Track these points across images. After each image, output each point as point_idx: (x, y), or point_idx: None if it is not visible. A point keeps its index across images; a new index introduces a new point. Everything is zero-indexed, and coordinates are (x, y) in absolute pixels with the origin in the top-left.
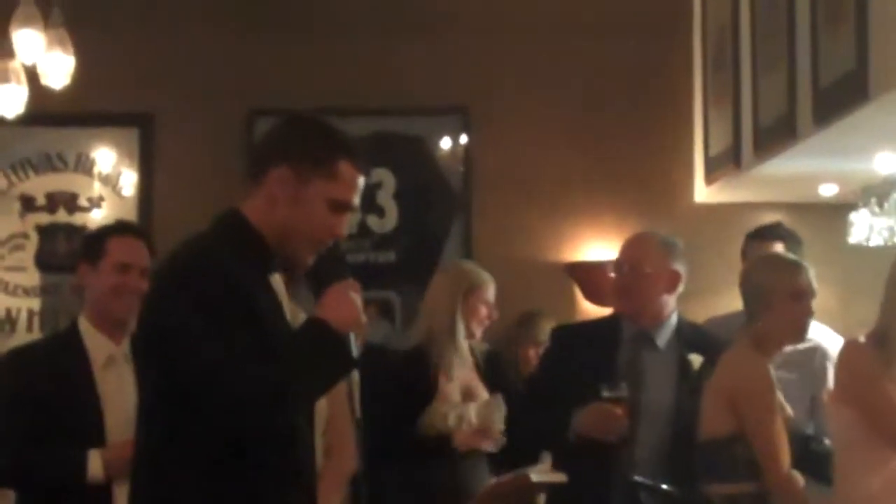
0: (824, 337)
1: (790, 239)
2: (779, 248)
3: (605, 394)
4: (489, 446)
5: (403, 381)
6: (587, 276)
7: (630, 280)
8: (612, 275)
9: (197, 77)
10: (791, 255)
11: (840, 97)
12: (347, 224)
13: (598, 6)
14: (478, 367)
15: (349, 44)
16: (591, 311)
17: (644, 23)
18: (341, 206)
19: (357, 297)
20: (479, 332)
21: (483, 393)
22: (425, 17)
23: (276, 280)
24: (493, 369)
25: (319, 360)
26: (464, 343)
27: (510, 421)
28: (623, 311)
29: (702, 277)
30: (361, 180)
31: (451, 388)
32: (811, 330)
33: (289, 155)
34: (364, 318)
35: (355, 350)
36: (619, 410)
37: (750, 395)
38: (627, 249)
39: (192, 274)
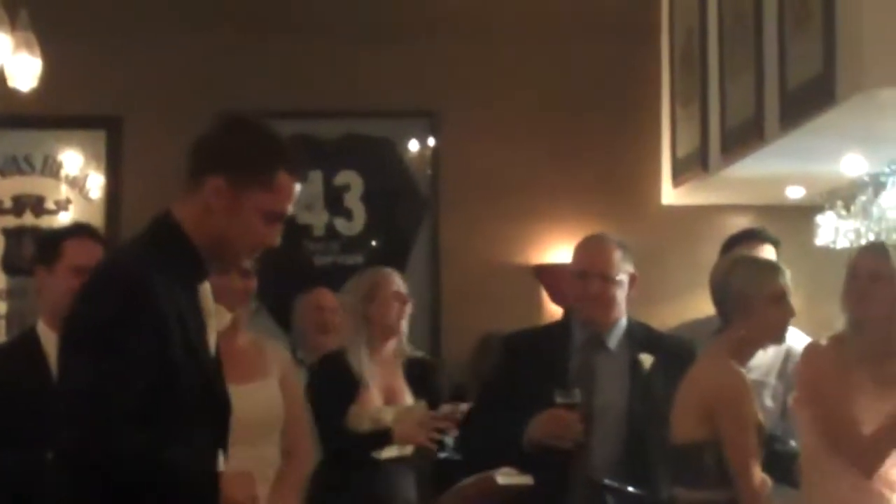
0: (793, 339)
1: (776, 244)
2: (770, 251)
3: (559, 399)
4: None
5: (324, 386)
6: (554, 278)
7: (603, 289)
8: (577, 282)
9: (164, 79)
10: (765, 258)
11: (807, 100)
12: (280, 233)
13: (565, 9)
14: (404, 371)
15: (318, 47)
16: (558, 312)
17: (612, 25)
18: (275, 217)
19: (255, 495)
20: (402, 326)
21: (407, 398)
22: (394, 21)
23: (205, 289)
24: (419, 375)
25: (189, 495)
26: (388, 347)
27: (462, 430)
28: (597, 319)
29: (669, 279)
30: (298, 189)
31: (371, 393)
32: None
33: (226, 164)
34: None
35: None
36: (573, 416)
37: (727, 404)
38: (593, 257)
39: (107, 292)
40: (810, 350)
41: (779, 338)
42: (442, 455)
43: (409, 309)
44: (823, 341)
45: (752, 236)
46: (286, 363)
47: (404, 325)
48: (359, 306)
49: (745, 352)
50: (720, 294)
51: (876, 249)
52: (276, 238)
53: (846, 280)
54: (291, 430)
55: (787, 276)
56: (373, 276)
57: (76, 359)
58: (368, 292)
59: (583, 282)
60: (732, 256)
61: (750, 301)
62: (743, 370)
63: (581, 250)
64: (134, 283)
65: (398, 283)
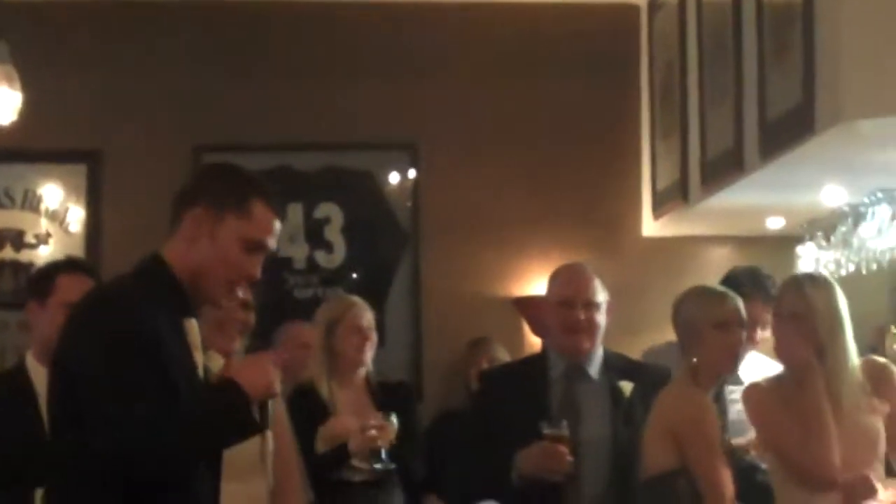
0: (773, 370)
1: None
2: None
3: (547, 431)
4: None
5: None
6: (535, 310)
7: (589, 315)
8: (560, 311)
9: (145, 114)
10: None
11: (787, 131)
12: (260, 266)
13: (545, 41)
14: (374, 399)
15: (298, 80)
16: (539, 345)
17: (592, 58)
18: (255, 247)
19: (274, 368)
20: (366, 357)
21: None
22: (374, 54)
23: (192, 325)
24: (392, 400)
25: (223, 421)
26: (357, 376)
27: (449, 467)
28: (582, 347)
29: (650, 310)
30: (277, 224)
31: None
32: (761, 364)
33: (204, 196)
34: (278, 389)
35: (270, 415)
36: (562, 447)
37: (691, 427)
38: (577, 285)
39: (101, 314)
40: (750, 392)
41: (730, 365)
42: (377, 466)
43: (373, 340)
44: (762, 381)
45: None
46: (276, 401)
47: (368, 356)
48: (322, 337)
49: (702, 379)
50: (675, 324)
51: (796, 285)
52: (256, 270)
53: (772, 320)
54: (280, 468)
55: (739, 303)
56: (335, 308)
57: (90, 390)
58: (330, 324)
59: (568, 310)
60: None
61: (696, 329)
62: (705, 395)
63: (562, 279)
64: (125, 308)
65: (361, 313)
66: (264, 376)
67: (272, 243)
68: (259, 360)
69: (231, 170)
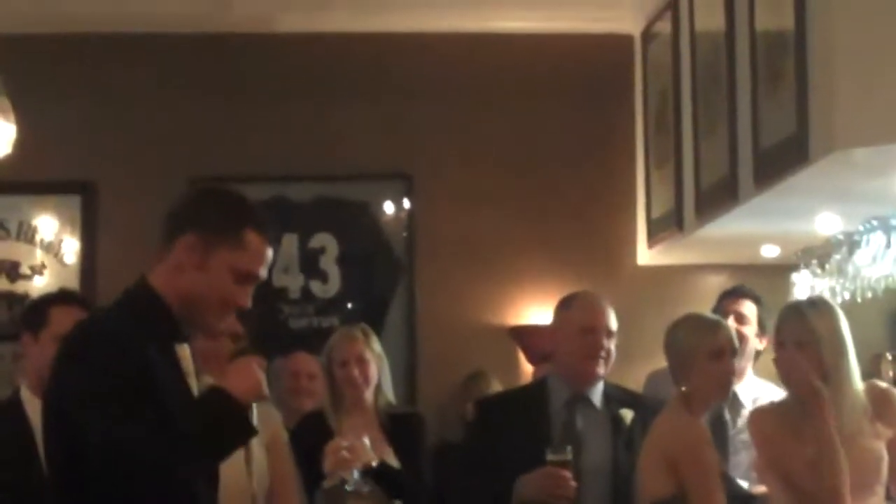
0: (773, 396)
1: (758, 299)
2: (749, 305)
3: (550, 457)
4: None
5: (303, 445)
6: (531, 339)
7: (609, 344)
8: (581, 338)
9: (139, 145)
10: (710, 315)
11: (781, 159)
12: (250, 295)
13: (540, 71)
14: (383, 428)
15: (291, 110)
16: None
17: (586, 88)
18: (246, 277)
19: (260, 370)
20: (365, 386)
21: (386, 454)
22: (368, 85)
23: (183, 350)
24: (401, 432)
25: (218, 429)
26: (365, 402)
27: (448, 497)
28: (597, 375)
29: (646, 339)
30: (269, 252)
31: None
32: (760, 389)
33: (196, 222)
34: (266, 391)
35: (254, 419)
36: (566, 473)
37: (687, 455)
38: (600, 313)
39: (89, 347)
40: (755, 416)
41: (722, 393)
42: (348, 488)
43: (373, 367)
44: (767, 406)
45: (731, 293)
46: (276, 426)
47: (373, 381)
48: (326, 367)
49: (694, 407)
50: (667, 352)
51: (798, 313)
52: (246, 299)
53: (774, 348)
54: (280, 493)
55: (731, 332)
56: (331, 341)
57: (87, 418)
58: (330, 353)
59: (592, 337)
60: (725, 311)
61: (689, 357)
62: (700, 422)
63: (582, 307)
64: (111, 341)
65: (344, 345)
66: (251, 379)
67: (263, 273)
68: (244, 364)
69: (225, 196)
